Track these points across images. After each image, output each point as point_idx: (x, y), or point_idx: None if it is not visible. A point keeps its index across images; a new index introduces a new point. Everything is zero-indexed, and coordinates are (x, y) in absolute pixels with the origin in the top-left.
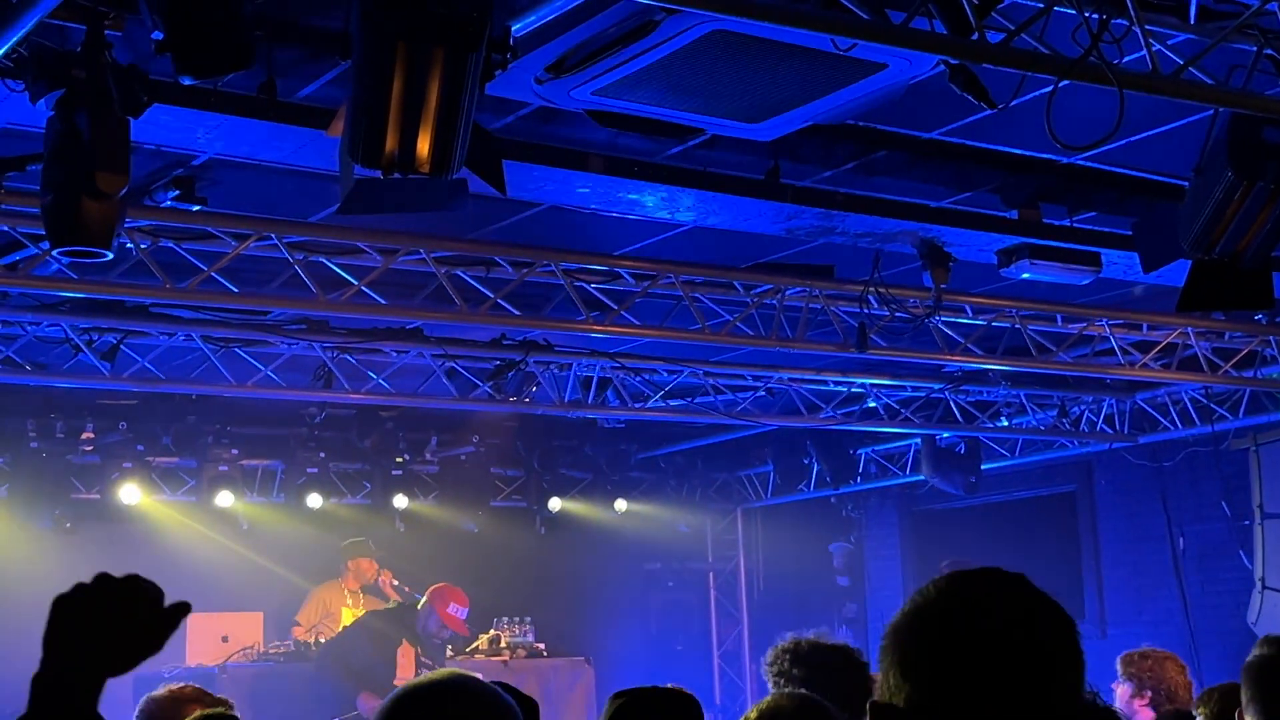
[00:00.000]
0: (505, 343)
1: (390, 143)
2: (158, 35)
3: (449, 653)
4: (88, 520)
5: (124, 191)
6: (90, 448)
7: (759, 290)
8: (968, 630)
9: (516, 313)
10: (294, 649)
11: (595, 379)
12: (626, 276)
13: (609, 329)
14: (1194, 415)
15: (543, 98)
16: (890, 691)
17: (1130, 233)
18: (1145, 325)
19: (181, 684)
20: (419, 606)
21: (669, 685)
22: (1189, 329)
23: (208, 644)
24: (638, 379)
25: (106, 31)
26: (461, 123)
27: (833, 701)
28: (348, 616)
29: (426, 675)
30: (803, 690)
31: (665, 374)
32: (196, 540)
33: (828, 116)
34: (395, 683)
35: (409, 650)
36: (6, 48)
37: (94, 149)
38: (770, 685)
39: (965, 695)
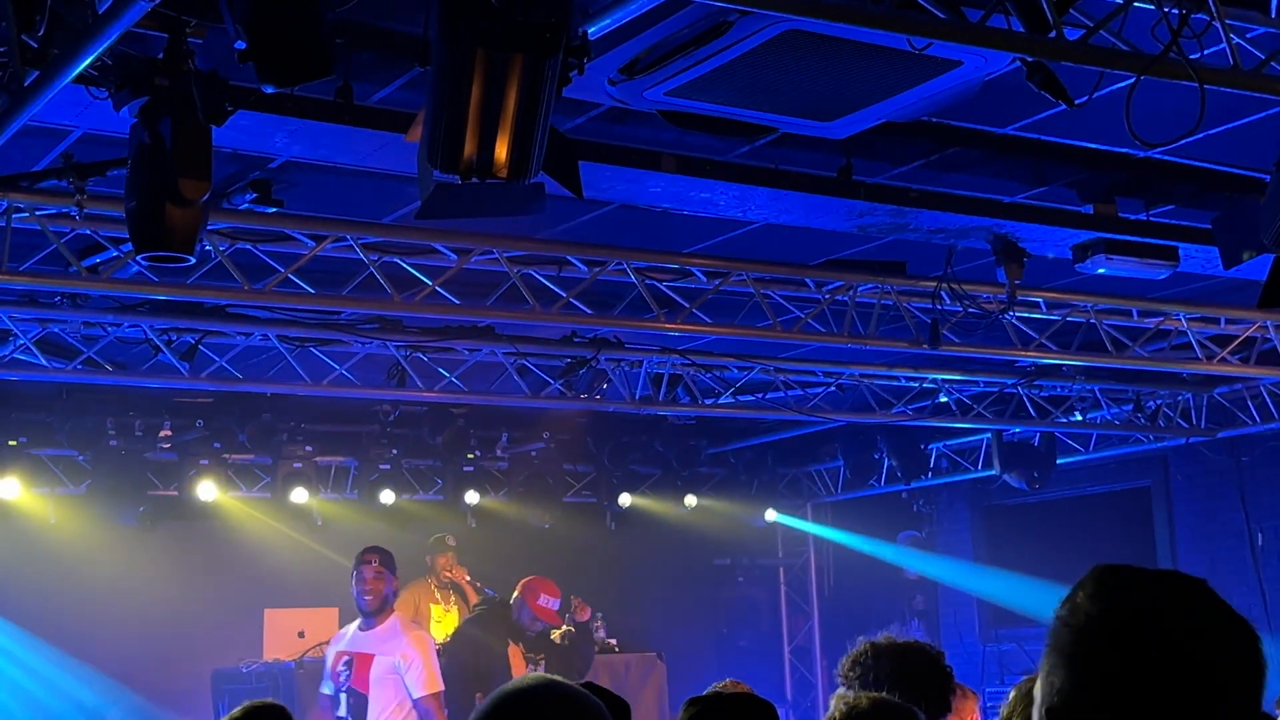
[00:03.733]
0: (576, 340)
1: (469, 148)
2: (241, 45)
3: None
4: (165, 516)
5: (206, 197)
6: (168, 445)
7: (831, 287)
8: (1157, 641)
9: (588, 311)
10: None
11: (666, 376)
12: (698, 274)
13: (680, 326)
14: (1273, 409)
15: (616, 99)
16: (1058, 694)
17: (1208, 226)
18: (1223, 319)
19: None
20: (511, 601)
21: (737, 684)
22: (1268, 322)
23: (284, 639)
24: (708, 375)
25: (188, 39)
26: (539, 128)
27: (915, 699)
28: (437, 613)
29: (518, 680)
30: (885, 689)
31: (736, 370)
32: (271, 536)
33: (901, 114)
34: None
35: (516, 650)
36: (93, 57)
37: (177, 156)
38: (850, 687)
39: (1142, 707)
